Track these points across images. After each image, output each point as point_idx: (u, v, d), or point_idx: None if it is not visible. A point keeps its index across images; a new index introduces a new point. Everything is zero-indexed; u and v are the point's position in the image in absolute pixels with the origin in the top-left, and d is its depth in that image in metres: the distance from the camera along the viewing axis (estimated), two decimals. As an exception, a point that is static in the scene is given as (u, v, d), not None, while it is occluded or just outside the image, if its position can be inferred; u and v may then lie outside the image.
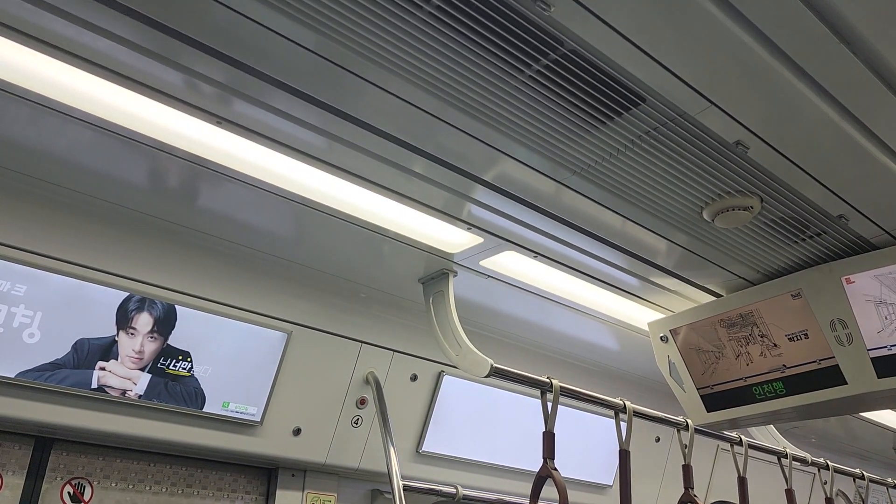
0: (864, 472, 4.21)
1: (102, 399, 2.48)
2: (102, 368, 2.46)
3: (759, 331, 2.66)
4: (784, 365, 2.62)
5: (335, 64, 1.62)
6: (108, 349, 2.46)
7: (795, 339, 2.57)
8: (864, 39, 1.53)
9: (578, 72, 1.62)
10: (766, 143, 1.85)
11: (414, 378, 3.24)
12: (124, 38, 1.56)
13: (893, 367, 2.35)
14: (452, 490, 3.23)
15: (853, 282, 2.39)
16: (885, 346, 2.36)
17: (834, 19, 1.48)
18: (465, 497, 3.20)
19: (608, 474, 4.09)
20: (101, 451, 2.74)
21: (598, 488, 4.10)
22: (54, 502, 2.59)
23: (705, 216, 2.19)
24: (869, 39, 1.53)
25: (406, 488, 2.80)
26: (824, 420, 4.60)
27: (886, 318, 2.34)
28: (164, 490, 2.84)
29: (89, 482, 2.68)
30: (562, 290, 2.84)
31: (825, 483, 3.90)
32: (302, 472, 3.13)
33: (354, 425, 3.11)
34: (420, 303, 2.84)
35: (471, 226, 2.34)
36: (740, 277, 2.65)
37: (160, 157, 2.02)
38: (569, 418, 3.67)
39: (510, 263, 2.62)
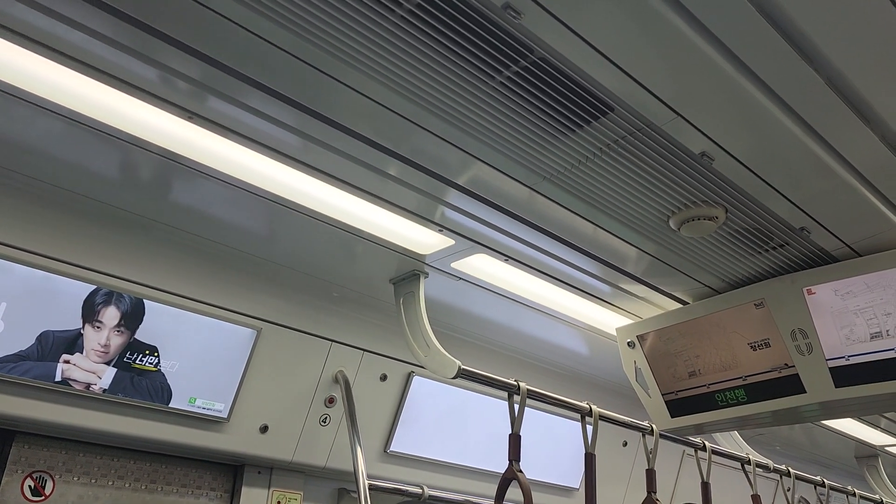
0: (825, 480, 4.29)
1: (66, 392, 2.46)
2: (67, 361, 2.43)
3: (723, 339, 2.71)
4: (746, 373, 2.67)
5: (311, 65, 1.63)
6: (73, 342, 2.44)
7: (757, 347, 2.62)
8: (826, 58, 1.58)
9: (548, 79, 1.64)
10: (731, 156, 1.90)
11: (383, 378, 3.25)
12: (99, 32, 1.56)
13: (850, 377, 2.41)
14: (418, 490, 3.24)
15: (814, 293, 2.45)
16: (843, 357, 2.42)
17: (798, 38, 1.52)
18: (431, 497, 3.22)
19: (574, 477, 4.13)
20: (63, 444, 2.70)
21: (565, 491, 4.14)
22: (14, 495, 2.56)
23: (672, 225, 2.23)
24: (831, 59, 1.58)
25: (372, 488, 2.81)
26: (788, 428, 4.68)
27: (845, 329, 2.40)
28: (127, 485, 2.82)
29: (51, 476, 2.65)
30: (532, 293, 2.87)
31: (788, 490, 3.98)
32: (268, 470, 3.12)
33: (322, 424, 3.11)
34: (391, 303, 2.85)
35: (443, 228, 2.36)
36: (706, 286, 2.70)
37: (132, 151, 2.01)
38: (536, 421, 3.70)
39: (481, 266, 2.64)
